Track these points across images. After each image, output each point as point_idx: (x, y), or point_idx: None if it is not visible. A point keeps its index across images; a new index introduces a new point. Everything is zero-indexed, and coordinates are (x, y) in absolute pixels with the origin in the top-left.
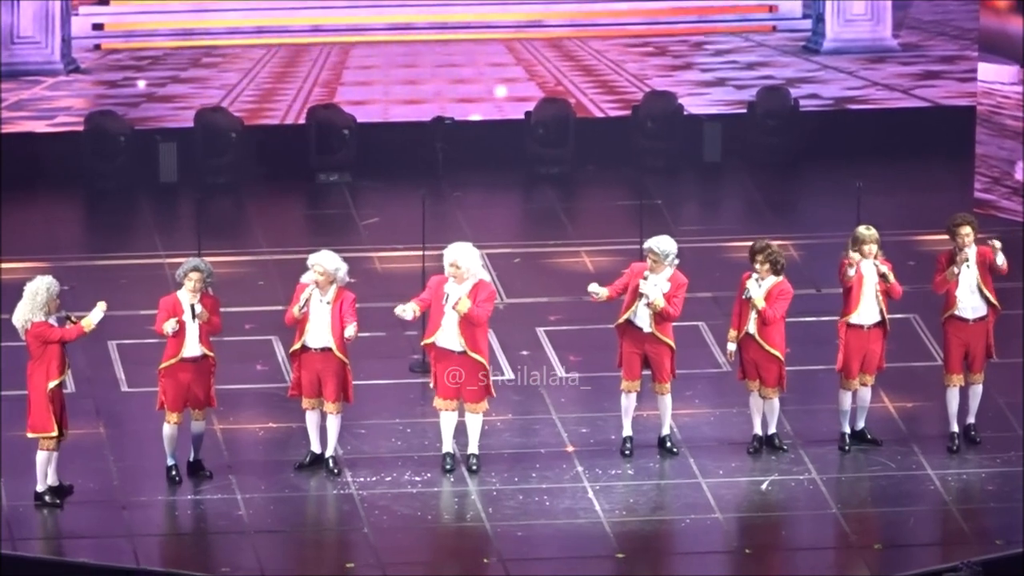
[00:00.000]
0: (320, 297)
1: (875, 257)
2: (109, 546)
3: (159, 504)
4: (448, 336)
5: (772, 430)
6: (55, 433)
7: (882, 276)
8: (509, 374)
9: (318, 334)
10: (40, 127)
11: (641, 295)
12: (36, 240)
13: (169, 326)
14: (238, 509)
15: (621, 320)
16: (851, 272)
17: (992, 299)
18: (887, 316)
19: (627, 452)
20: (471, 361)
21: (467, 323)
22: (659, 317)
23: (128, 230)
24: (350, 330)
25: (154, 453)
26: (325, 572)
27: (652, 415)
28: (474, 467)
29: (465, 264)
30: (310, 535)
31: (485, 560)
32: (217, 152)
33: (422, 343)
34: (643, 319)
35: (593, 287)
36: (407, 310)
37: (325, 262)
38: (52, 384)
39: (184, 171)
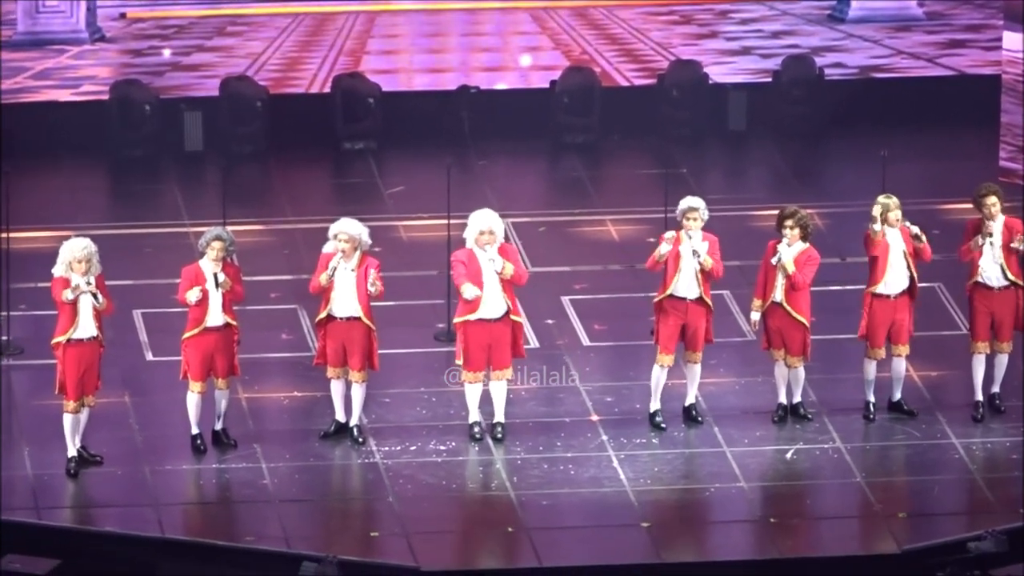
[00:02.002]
0: (345, 265)
1: (897, 223)
2: (134, 515)
3: (184, 473)
4: (492, 305)
5: (797, 399)
6: (57, 393)
7: (915, 236)
8: (535, 343)
9: (344, 303)
10: (65, 96)
11: (695, 253)
12: (61, 208)
13: (193, 295)
14: (263, 478)
15: (664, 295)
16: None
17: (1012, 277)
18: (917, 282)
19: (663, 425)
20: (512, 324)
21: (509, 285)
22: (706, 276)
23: (153, 199)
24: (373, 283)
25: (179, 422)
26: (350, 541)
27: (677, 384)
28: (499, 436)
29: (499, 229)
30: (335, 504)
31: (510, 529)
32: (242, 121)
33: (455, 320)
34: (689, 287)
35: (662, 248)
36: (474, 290)
37: (349, 229)
38: (53, 340)
39: (209, 140)
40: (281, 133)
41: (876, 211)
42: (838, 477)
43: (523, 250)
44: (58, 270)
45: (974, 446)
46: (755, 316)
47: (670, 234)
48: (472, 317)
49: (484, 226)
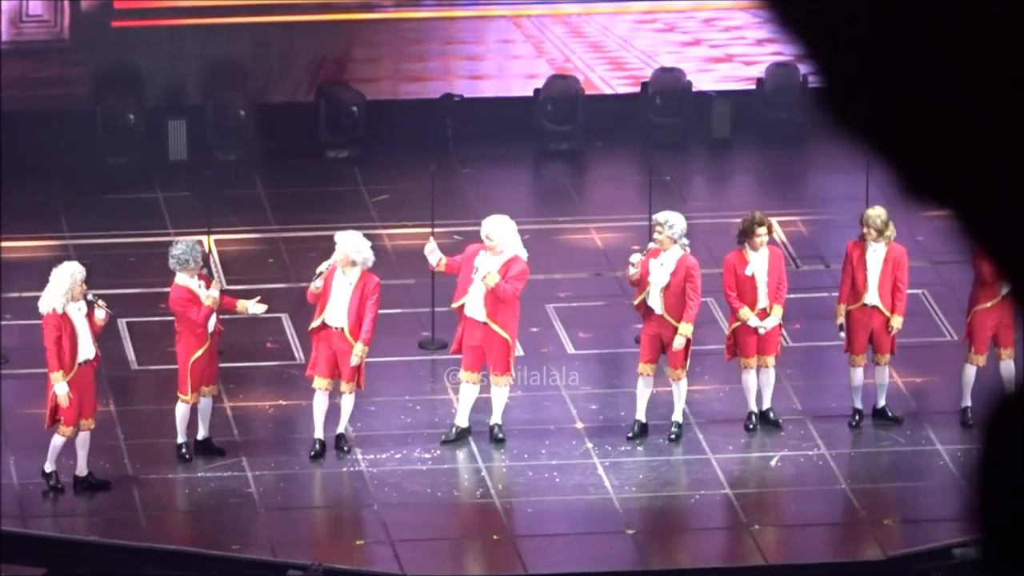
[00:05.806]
0: (343, 276)
1: (878, 239)
2: (119, 524)
3: (169, 482)
4: (474, 306)
5: (768, 404)
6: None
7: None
8: (519, 350)
9: (337, 313)
10: (50, 105)
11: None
12: (45, 218)
13: (209, 302)
14: (248, 486)
15: (640, 299)
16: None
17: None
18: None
19: (632, 435)
20: (493, 334)
21: (493, 297)
22: (671, 298)
23: (137, 208)
24: (357, 354)
25: (164, 431)
26: (335, 549)
27: (664, 391)
28: (500, 436)
29: (497, 237)
30: (320, 512)
31: (495, 536)
32: (226, 130)
33: (452, 305)
34: (655, 301)
35: (633, 267)
36: (434, 253)
37: (341, 244)
38: (52, 372)
39: (193, 149)
40: (265, 142)
41: (863, 232)
42: (823, 484)
43: None
44: (56, 303)
45: (959, 452)
46: (760, 322)
47: (636, 257)
48: (460, 303)
49: (483, 231)
